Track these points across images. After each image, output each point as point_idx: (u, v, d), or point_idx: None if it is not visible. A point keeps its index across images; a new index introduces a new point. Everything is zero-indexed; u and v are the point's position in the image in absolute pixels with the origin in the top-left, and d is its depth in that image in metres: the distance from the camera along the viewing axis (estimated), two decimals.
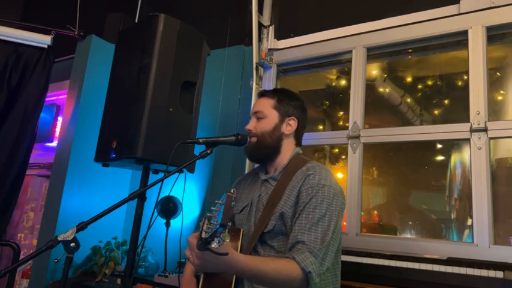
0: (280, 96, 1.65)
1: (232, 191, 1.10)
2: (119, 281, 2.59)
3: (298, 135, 1.66)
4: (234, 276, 1.40)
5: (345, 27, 2.56)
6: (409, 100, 2.89)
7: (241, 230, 1.52)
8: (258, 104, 1.65)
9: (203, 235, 1.10)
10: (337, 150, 3.05)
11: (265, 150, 1.59)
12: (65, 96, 3.18)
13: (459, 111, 2.28)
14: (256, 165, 1.77)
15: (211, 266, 1.24)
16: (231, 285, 1.39)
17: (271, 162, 1.63)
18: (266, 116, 1.61)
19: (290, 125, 1.62)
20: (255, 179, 1.69)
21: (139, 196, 1.84)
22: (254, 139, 1.59)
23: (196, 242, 1.16)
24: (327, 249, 1.36)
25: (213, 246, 1.08)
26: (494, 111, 2.11)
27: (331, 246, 1.39)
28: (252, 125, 1.62)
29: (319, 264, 1.33)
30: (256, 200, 1.58)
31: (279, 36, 2.85)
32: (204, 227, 1.11)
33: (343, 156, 2.88)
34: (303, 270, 1.29)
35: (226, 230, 1.06)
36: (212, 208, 1.10)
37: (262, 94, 1.69)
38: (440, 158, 2.63)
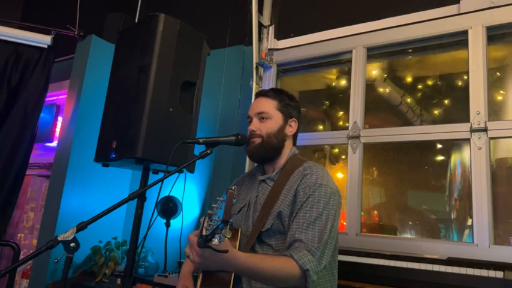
0: (282, 97, 1.65)
1: (233, 188, 1.10)
2: (119, 281, 2.59)
3: (295, 136, 1.69)
4: (233, 275, 1.41)
5: (345, 27, 2.56)
6: (409, 100, 2.89)
7: (239, 229, 1.53)
8: (260, 105, 1.63)
9: (204, 232, 1.10)
10: (337, 150, 3.05)
11: (270, 151, 1.59)
12: (65, 96, 3.18)
13: (459, 111, 2.27)
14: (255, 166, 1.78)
15: (210, 264, 1.24)
16: (230, 284, 1.40)
17: (271, 163, 1.63)
18: (271, 117, 1.60)
19: (291, 127, 1.64)
20: (252, 180, 1.70)
21: (139, 196, 1.84)
22: (258, 140, 1.58)
23: (196, 240, 1.16)
24: (324, 247, 1.37)
25: (213, 243, 1.08)
26: (494, 111, 2.11)
27: (329, 245, 1.40)
28: (256, 125, 1.60)
29: (316, 262, 1.34)
30: (253, 201, 1.59)
31: (279, 36, 2.85)
32: (205, 224, 1.11)
33: (343, 156, 2.88)
34: (301, 268, 1.30)
35: (228, 227, 1.07)
36: (213, 205, 1.10)
37: (263, 94, 1.67)
38: (440, 158, 2.63)
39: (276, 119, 1.60)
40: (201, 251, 1.18)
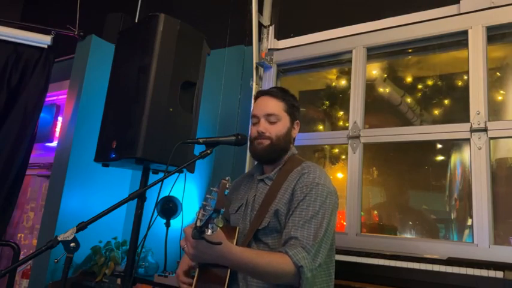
0: (288, 98, 1.65)
1: (227, 179, 1.11)
2: (119, 281, 2.59)
3: (295, 137, 1.69)
4: (229, 271, 1.41)
5: (345, 27, 2.56)
6: (409, 100, 2.89)
7: (237, 228, 1.53)
8: (269, 106, 1.61)
9: (198, 223, 1.11)
10: (337, 150, 3.05)
11: (279, 153, 1.60)
12: (65, 96, 3.18)
13: (459, 111, 2.28)
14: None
15: (205, 256, 1.25)
16: (226, 279, 1.40)
17: (273, 163, 1.63)
18: (280, 119, 1.59)
19: (295, 129, 1.66)
20: (250, 180, 1.71)
21: (139, 196, 1.85)
22: (267, 141, 1.57)
23: (191, 231, 1.16)
24: (319, 245, 1.38)
25: (208, 233, 1.09)
26: (494, 111, 2.11)
27: (324, 243, 1.40)
28: (264, 127, 1.58)
29: (311, 259, 1.34)
30: (251, 200, 1.60)
31: (279, 36, 2.85)
32: (199, 216, 1.12)
33: (343, 156, 2.88)
34: (295, 265, 1.30)
35: (220, 216, 1.08)
36: (207, 196, 1.11)
37: (270, 94, 1.64)
38: (440, 158, 2.63)
39: (284, 122, 1.60)
40: (196, 243, 1.19)
